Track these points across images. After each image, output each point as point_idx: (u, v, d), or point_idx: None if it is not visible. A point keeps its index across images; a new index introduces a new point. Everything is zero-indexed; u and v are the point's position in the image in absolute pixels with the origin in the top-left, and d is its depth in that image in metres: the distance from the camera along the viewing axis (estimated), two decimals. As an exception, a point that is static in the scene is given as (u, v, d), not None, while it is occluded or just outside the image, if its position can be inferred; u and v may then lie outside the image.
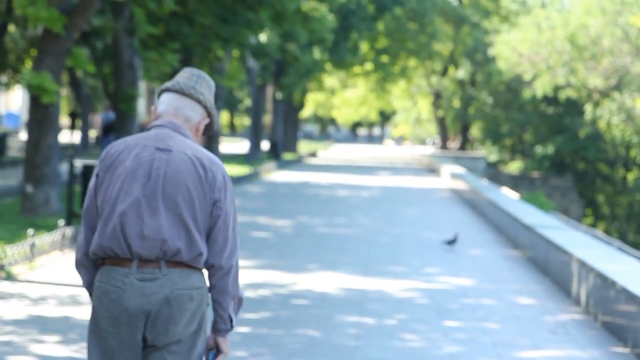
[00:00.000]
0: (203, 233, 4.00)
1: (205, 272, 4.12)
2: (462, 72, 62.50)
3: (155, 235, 3.93)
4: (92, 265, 4.08)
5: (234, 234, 4.07)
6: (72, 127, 48.79)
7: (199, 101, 4.14)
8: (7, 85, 40.47)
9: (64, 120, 60.14)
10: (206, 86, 4.19)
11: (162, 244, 3.93)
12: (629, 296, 8.73)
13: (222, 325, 4.09)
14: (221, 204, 4.01)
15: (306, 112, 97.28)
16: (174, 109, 4.13)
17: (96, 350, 4.01)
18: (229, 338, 4.14)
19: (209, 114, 4.19)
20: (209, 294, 4.09)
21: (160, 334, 3.94)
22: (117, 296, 3.93)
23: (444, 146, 69.08)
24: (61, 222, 13.82)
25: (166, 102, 4.15)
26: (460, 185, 29.18)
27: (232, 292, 4.06)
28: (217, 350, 4.10)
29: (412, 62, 67.73)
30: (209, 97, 4.18)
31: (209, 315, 4.16)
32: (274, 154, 48.16)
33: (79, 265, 4.10)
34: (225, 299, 4.06)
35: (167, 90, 4.16)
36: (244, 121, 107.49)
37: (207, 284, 4.11)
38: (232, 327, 4.10)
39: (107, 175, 4.02)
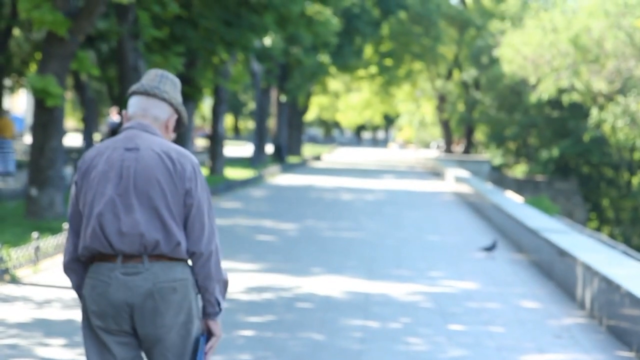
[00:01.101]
0: (180, 223, 4.18)
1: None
2: (467, 75, 62.46)
3: (133, 230, 4.12)
4: (80, 269, 4.30)
5: (210, 221, 4.23)
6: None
7: (164, 99, 4.33)
8: (12, 89, 40.50)
9: (70, 123, 60.12)
10: (170, 84, 4.37)
11: (141, 237, 4.12)
12: (634, 300, 8.72)
13: (210, 309, 4.26)
14: (193, 192, 4.19)
15: (310, 116, 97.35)
16: (141, 110, 4.33)
17: (92, 345, 4.22)
18: (219, 321, 4.29)
19: (177, 110, 4.38)
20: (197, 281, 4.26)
21: (148, 326, 4.14)
22: (103, 290, 4.14)
23: (448, 150, 69.09)
24: (65, 225, 13.83)
25: (134, 104, 4.36)
26: (464, 188, 29.17)
27: (216, 277, 4.23)
28: (209, 333, 4.27)
29: (416, 66, 67.77)
30: (174, 94, 4.37)
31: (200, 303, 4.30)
32: (278, 157, 48.19)
33: (67, 269, 4.33)
34: (211, 283, 4.23)
35: (134, 93, 4.37)
36: (248, 124, 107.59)
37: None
38: (220, 309, 4.28)
39: (83, 181, 4.24)
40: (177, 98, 4.38)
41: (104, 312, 4.13)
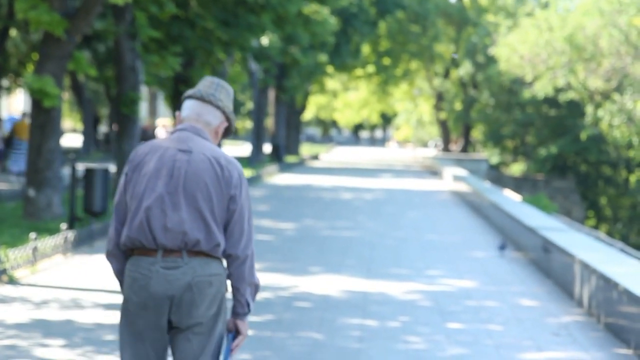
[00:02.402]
0: (221, 226, 4.44)
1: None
2: (462, 71, 62.35)
3: (177, 228, 4.36)
4: (121, 255, 4.53)
5: (249, 227, 4.51)
6: (95, 131, 49.26)
7: (218, 107, 4.60)
8: (9, 89, 40.49)
9: (67, 123, 59.95)
10: (225, 93, 4.63)
11: (183, 235, 4.36)
12: (632, 298, 8.73)
13: (240, 310, 4.52)
14: (237, 199, 4.46)
15: (308, 115, 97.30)
16: (195, 115, 4.59)
17: (127, 332, 4.44)
18: (247, 321, 4.54)
19: (228, 118, 4.64)
20: (228, 281, 4.53)
21: (184, 317, 4.38)
22: (144, 283, 4.38)
23: (446, 148, 69.08)
24: (63, 225, 13.83)
25: (189, 107, 4.61)
26: (462, 187, 29.18)
27: (248, 279, 4.50)
28: (236, 332, 4.54)
29: (414, 65, 67.74)
30: (227, 103, 4.64)
31: (229, 300, 4.50)
32: (276, 156, 48.15)
33: (110, 255, 4.55)
34: (242, 285, 4.49)
35: (190, 97, 4.63)
36: (246, 124, 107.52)
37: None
38: (249, 310, 4.54)
39: (134, 174, 4.47)
40: (230, 107, 4.64)
41: (145, 303, 4.36)
